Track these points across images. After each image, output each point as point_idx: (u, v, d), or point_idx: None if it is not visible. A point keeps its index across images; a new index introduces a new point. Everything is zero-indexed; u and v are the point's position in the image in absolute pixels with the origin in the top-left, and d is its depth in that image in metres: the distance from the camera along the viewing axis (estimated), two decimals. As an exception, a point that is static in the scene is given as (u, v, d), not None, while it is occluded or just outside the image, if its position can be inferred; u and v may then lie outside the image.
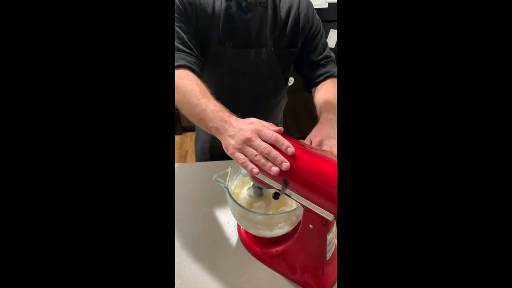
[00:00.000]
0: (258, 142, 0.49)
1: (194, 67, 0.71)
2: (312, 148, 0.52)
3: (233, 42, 0.77)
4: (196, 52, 0.75)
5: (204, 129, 0.60)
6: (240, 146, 0.51)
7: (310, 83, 0.85)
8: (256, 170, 0.49)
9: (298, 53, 0.86)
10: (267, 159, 0.49)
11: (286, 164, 0.47)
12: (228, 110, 0.59)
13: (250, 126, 0.51)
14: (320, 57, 0.85)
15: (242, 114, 0.81)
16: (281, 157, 0.48)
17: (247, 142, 0.50)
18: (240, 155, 0.51)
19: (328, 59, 0.86)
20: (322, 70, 0.84)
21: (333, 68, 0.85)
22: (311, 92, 0.86)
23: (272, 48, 0.81)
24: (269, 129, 0.50)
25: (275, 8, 0.78)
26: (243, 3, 0.74)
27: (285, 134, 0.52)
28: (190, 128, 2.45)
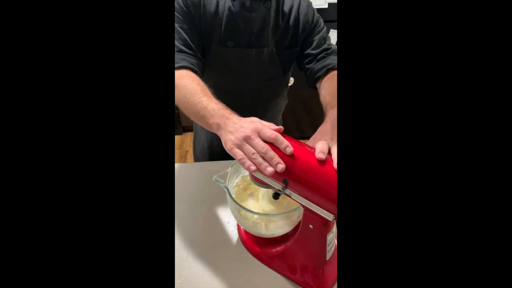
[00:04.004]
0: (257, 141, 0.49)
1: (195, 68, 0.72)
2: (312, 148, 0.52)
3: (234, 42, 0.78)
4: (198, 53, 0.75)
5: (205, 127, 0.60)
6: (239, 143, 0.51)
7: (311, 78, 0.83)
8: (253, 167, 0.49)
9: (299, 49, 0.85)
10: (264, 158, 0.49)
11: (281, 166, 0.47)
12: (229, 108, 0.59)
13: (251, 124, 0.52)
14: (318, 50, 0.82)
15: (247, 113, 0.81)
16: (277, 158, 0.48)
17: (247, 139, 0.50)
18: (238, 151, 0.51)
19: (328, 51, 0.82)
20: (322, 64, 0.81)
21: (334, 60, 0.80)
22: (315, 88, 0.83)
23: (274, 49, 0.81)
24: (269, 129, 0.51)
25: (278, 9, 0.78)
26: (247, 3, 0.74)
27: (285, 134, 0.52)
28: (190, 128, 2.45)
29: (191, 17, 0.74)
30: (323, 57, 0.82)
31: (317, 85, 0.81)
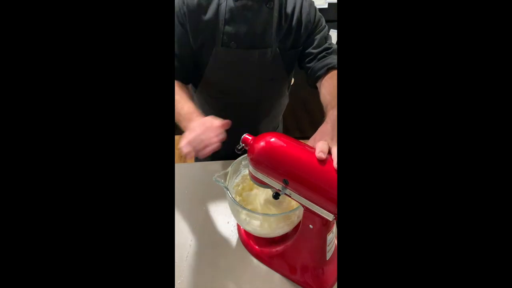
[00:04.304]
0: (202, 135, 0.62)
1: (179, 79, 0.81)
2: (312, 148, 0.52)
3: (237, 43, 0.77)
4: (185, 62, 0.81)
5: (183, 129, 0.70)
6: (190, 140, 0.62)
7: (311, 77, 0.83)
8: (190, 155, 0.61)
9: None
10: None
11: (214, 142, 0.60)
12: (197, 111, 0.70)
13: (201, 126, 0.63)
14: (319, 49, 0.82)
15: (242, 116, 0.82)
16: (209, 141, 0.61)
17: (197, 136, 0.62)
18: (186, 146, 0.61)
19: (329, 50, 0.82)
20: (323, 63, 0.80)
21: (334, 60, 0.80)
22: (316, 88, 0.82)
23: (277, 49, 0.81)
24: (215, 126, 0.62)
25: (281, 10, 0.78)
26: (249, 3, 0.74)
27: (285, 134, 0.52)
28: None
29: (185, 28, 0.77)
30: (324, 56, 0.81)
31: (318, 85, 0.81)
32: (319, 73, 0.80)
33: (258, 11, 0.75)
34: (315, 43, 0.82)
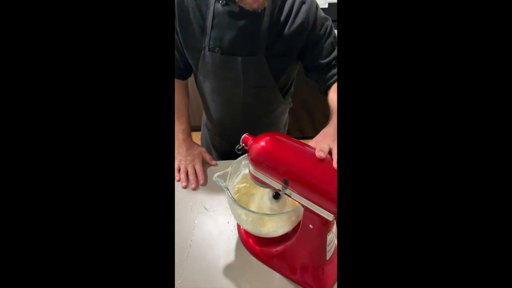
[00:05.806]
0: (190, 167, 0.88)
1: (178, 78, 0.91)
2: (313, 148, 0.52)
3: (222, 49, 0.77)
4: (185, 61, 0.86)
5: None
6: (182, 164, 0.88)
7: (322, 86, 0.82)
8: (177, 178, 0.87)
9: (305, 58, 0.82)
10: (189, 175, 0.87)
11: (192, 186, 0.85)
12: (188, 131, 0.95)
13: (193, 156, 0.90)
14: (329, 58, 0.80)
15: (237, 119, 0.81)
16: (194, 178, 0.86)
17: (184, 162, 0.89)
18: (177, 165, 0.89)
19: None
20: (333, 71, 0.79)
21: None
22: (327, 95, 0.81)
23: (263, 57, 0.78)
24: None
25: (272, 15, 0.75)
26: (236, 9, 0.73)
27: (285, 134, 0.52)
28: (192, 128, 2.44)
29: (177, 31, 0.80)
30: (334, 66, 0.80)
31: (328, 91, 0.80)
32: (330, 82, 0.79)
33: (245, 17, 0.73)
34: (324, 52, 0.80)
